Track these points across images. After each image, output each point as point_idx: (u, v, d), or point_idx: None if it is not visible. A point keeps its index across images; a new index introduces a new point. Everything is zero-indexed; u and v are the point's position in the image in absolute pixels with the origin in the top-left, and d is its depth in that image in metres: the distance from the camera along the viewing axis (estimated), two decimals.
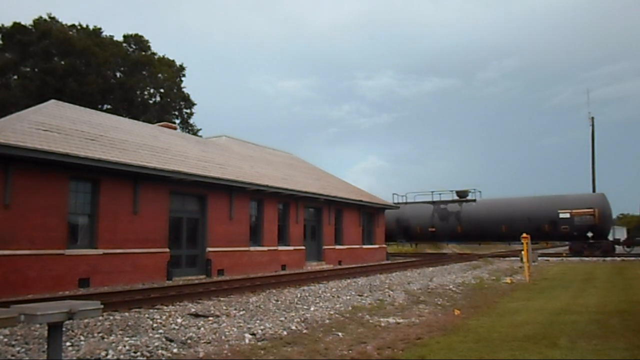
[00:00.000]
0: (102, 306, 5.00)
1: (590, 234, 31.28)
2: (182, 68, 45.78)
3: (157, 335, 6.92)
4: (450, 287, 14.07)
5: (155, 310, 9.41)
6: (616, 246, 32.74)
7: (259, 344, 6.67)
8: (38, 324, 6.74)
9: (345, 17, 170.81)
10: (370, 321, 8.52)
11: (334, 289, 13.26)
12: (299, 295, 11.85)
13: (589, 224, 31.16)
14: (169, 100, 44.20)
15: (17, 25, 37.43)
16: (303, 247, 23.93)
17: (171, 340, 6.65)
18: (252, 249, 20.55)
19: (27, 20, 38.56)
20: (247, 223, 20.49)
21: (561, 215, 31.28)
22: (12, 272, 12.34)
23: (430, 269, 21.56)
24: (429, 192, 37.69)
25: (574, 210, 31.63)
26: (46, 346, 4.86)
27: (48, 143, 13.29)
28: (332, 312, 9.30)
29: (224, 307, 9.84)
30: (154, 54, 44.44)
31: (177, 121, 44.18)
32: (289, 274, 19.27)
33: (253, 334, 7.18)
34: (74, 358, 5.80)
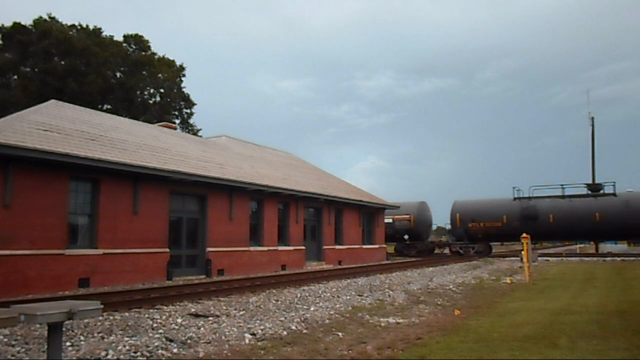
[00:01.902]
0: (102, 306, 5.00)
1: (406, 237, 37.04)
2: (182, 68, 45.75)
3: (157, 335, 6.93)
4: (450, 287, 14.07)
5: (155, 310, 9.41)
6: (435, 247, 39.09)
7: (259, 344, 6.67)
8: (38, 324, 6.74)
9: (345, 17, 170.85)
10: (370, 321, 8.52)
11: (334, 289, 13.26)
12: (299, 295, 11.85)
13: (406, 228, 36.87)
14: (169, 100, 44.17)
15: (17, 25, 37.40)
16: (303, 247, 23.93)
17: (171, 340, 6.65)
18: (252, 249, 20.55)
19: (27, 20, 38.58)
20: (247, 223, 20.48)
21: (386, 220, 35.01)
22: (12, 272, 12.34)
23: (430, 269, 21.56)
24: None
25: (395, 216, 36.54)
26: (46, 346, 4.86)
27: (48, 143, 13.29)
28: (332, 312, 9.30)
29: (224, 307, 9.84)
30: (154, 54, 44.41)
31: (177, 121, 44.15)
32: (289, 274, 19.27)
33: (253, 334, 7.18)
34: (74, 358, 5.80)
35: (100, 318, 8.06)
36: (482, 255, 32.98)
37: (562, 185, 32.93)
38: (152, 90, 43.69)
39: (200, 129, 45.44)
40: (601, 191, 32.19)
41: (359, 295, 11.96)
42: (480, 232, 34.29)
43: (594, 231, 31.92)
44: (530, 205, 33.02)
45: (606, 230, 31.17)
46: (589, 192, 32.48)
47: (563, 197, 32.63)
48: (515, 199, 33.92)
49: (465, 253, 34.27)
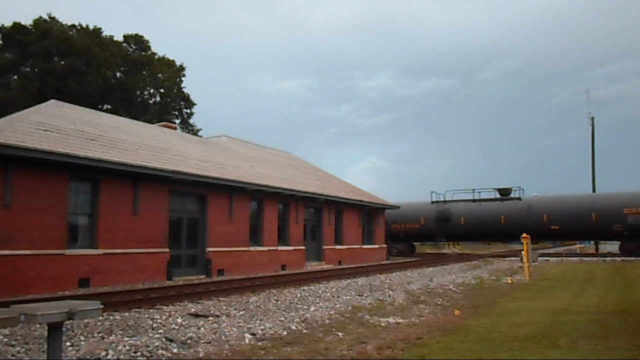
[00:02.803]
0: (102, 306, 5.00)
1: None
2: (182, 68, 45.74)
3: (157, 335, 6.93)
4: (450, 287, 14.07)
5: (155, 310, 9.41)
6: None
7: (259, 344, 6.67)
8: (38, 324, 6.74)
9: (345, 17, 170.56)
10: (370, 321, 8.52)
11: (334, 289, 13.26)
12: (299, 295, 11.85)
13: None
14: (169, 100, 44.17)
15: (17, 25, 37.40)
16: (303, 247, 23.93)
17: (171, 340, 6.65)
18: (252, 249, 20.56)
19: (27, 20, 38.57)
20: (247, 223, 20.49)
21: None
22: (12, 272, 12.34)
23: (430, 269, 21.56)
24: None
25: None
26: (46, 346, 4.86)
27: (48, 143, 13.29)
28: (332, 312, 9.30)
29: (224, 307, 9.84)
30: (154, 54, 44.40)
31: (177, 121, 44.14)
32: (289, 274, 19.28)
33: (253, 334, 7.18)
34: (74, 358, 5.80)
35: (100, 318, 8.06)
36: (404, 254, 36.32)
37: (474, 189, 36.05)
38: (152, 90, 43.69)
39: (200, 129, 45.48)
40: (510, 195, 34.66)
41: (359, 295, 11.96)
42: (402, 233, 37.22)
43: (500, 232, 34.66)
44: (445, 209, 35.80)
45: (510, 231, 32.93)
46: (499, 196, 35.01)
47: (474, 200, 35.57)
48: (432, 202, 36.81)
49: (389, 252, 36.67)
